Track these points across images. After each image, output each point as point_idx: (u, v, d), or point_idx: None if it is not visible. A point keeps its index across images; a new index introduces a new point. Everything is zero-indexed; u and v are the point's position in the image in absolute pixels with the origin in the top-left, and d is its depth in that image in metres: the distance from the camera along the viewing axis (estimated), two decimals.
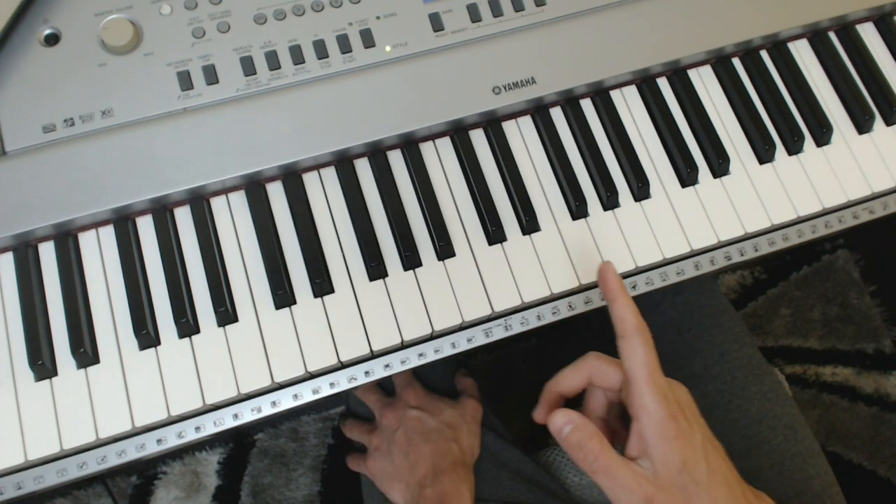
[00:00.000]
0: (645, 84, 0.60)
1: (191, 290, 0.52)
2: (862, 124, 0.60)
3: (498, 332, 0.55)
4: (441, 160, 0.57)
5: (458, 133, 0.57)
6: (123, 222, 0.53)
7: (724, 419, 0.67)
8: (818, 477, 0.65)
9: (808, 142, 0.60)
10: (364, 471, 0.71)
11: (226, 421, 0.52)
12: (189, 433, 0.51)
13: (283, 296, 0.52)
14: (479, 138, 0.58)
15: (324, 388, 0.53)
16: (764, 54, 0.62)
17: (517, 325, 0.55)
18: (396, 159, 0.57)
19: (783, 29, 0.61)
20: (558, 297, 0.55)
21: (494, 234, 0.55)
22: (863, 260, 1.31)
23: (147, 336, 0.50)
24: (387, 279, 0.54)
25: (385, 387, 0.73)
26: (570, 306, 0.55)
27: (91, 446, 0.50)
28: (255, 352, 0.51)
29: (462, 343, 0.55)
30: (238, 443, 1.18)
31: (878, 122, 0.61)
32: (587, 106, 0.59)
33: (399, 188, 0.56)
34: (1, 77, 0.53)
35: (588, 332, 0.83)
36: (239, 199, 0.55)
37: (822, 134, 0.59)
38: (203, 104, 0.54)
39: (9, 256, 0.52)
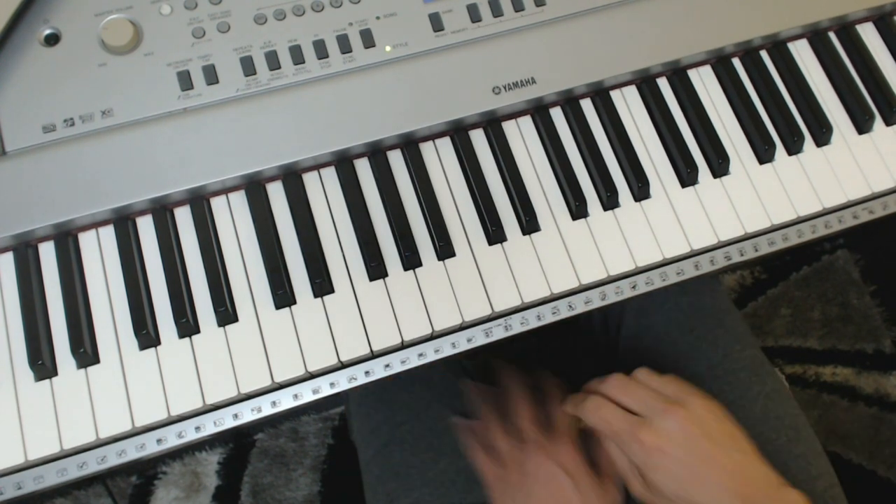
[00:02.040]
0: (645, 84, 0.60)
1: (191, 290, 0.52)
2: (862, 124, 0.60)
3: (498, 332, 0.55)
4: (441, 160, 0.57)
5: (458, 133, 0.57)
6: (123, 222, 0.53)
7: None
8: (821, 477, 0.65)
9: (808, 142, 0.60)
10: (485, 468, 0.62)
11: (226, 421, 0.52)
12: (189, 433, 0.51)
13: (283, 296, 0.52)
14: (479, 138, 0.58)
15: (324, 388, 0.53)
16: (764, 54, 0.62)
17: (517, 325, 0.55)
18: (396, 159, 0.57)
19: (783, 29, 0.60)
20: (558, 297, 0.55)
21: (494, 234, 0.55)
22: (863, 260, 1.30)
23: (147, 336, 0.50)
24: (387, 279, 0.54)
25: (469, 373, 0.69)
26: (570, 306, 0.55)
27: (91, 446, 0.50)
28: (255, 352, 0.51)
29: (462, 343, 0.55)
30: (238, 443, 1.18)
31: (878, 122, 0.61)
32: (587, 106, 0.59)
33: (399, 188, 0.56)
34: (1, 77, 0.53)
35: (588, 332, 0.83)
36: (239, 199, 0.55)
37: (822, 134, 0.59)
38: (203, 104, 0.54)
39: (9, 256, 0.52)
